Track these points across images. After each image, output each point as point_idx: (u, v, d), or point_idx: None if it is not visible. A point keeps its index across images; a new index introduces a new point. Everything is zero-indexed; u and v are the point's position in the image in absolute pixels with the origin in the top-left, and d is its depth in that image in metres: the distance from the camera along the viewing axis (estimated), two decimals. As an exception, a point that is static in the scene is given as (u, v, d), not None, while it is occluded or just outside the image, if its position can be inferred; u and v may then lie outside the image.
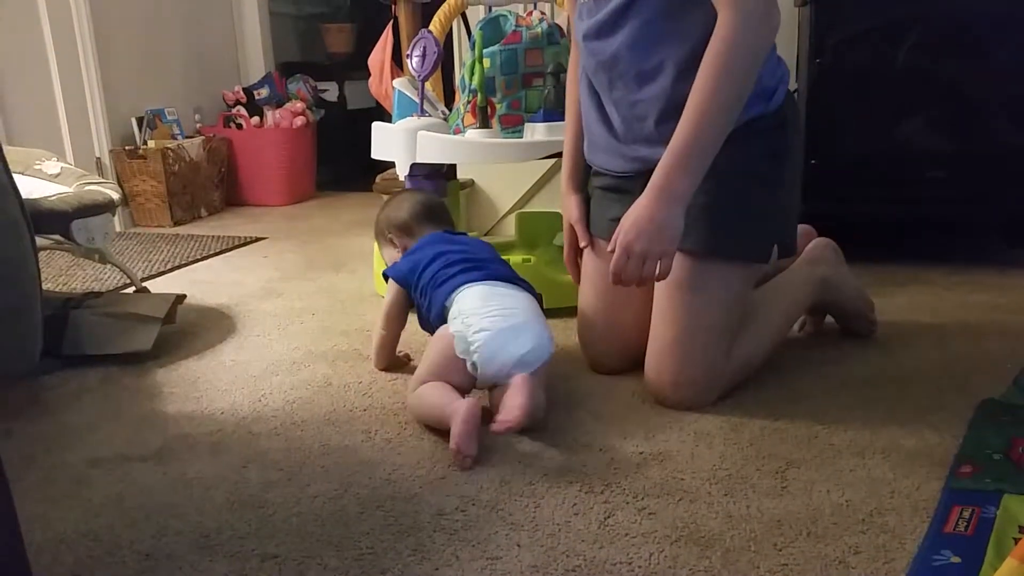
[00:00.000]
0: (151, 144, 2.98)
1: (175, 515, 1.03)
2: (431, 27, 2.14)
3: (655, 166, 1.20)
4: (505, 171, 2.52)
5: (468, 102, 1.82)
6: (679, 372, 1.29)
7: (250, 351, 1.63)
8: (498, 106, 1.81)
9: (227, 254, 2.51)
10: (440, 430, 1.21)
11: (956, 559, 0.87)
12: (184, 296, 1.82)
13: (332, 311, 1.88)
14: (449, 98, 2.11)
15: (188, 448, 1.22)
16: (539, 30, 1.81)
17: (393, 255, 1.55)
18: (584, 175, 1.51)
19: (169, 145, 2.99)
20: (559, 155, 1.65)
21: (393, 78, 2.25)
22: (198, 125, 3.30)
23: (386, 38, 2.39)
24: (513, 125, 1.80)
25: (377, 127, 1.94)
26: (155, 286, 2.11)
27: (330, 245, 2.58)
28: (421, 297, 1.40)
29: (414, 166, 1.83)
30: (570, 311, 1.59)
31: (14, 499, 0.72)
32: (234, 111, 3.34)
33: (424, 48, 1.85)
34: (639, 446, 1.18)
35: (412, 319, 1.47)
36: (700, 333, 1.29)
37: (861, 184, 2.07)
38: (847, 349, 1.54)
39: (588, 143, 1.47)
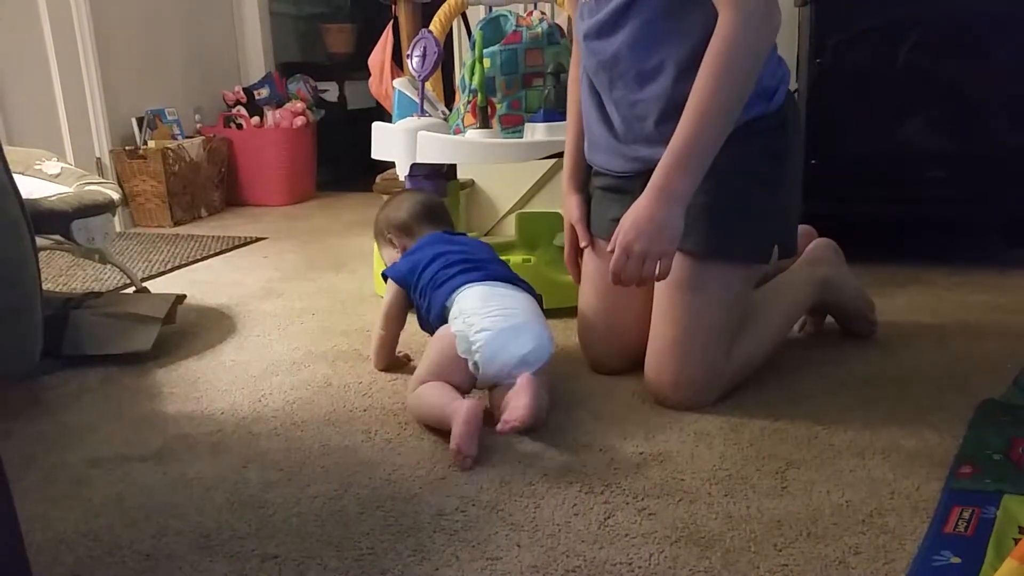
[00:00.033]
0: (151, 144, 2.98)
1: (175, 515, 1.03)
2: (431, 27, 2.14)
3: (655, 166, 1.20)
4: (505, 171, 2.53)
5: (468, 102, 1.82)
6: (679, 372, 1.29)
7: (250, 351, 1.63)
8: (498, 106, 1.81)
9: (227, 254, 2.51)
10: (440, 430, 1.21)
11: (956, 559, 0.87)
12: (184, 296, 1.82)
13: (332, 311, 1.88)
14: (449, 98, 2.11)
15: (188, 448, 1.22)
16: (539, 30, 1.81)
17: (392, 255, 1.55)
18: (585, 175, 1.51)
19: (169, 145, 2.99)
20: (559, 155, 1.65)
21: (393, 78, 2.25)
22: (198, 125, 3.30)
23: (386, 38, 2.39)
24: (513, 125, 1.80)
25: (377, 127, 1.94)
26: (155, 286, 2.11)
27: (330, 245, 2.58)
28: (420, 298, 1.40)
29: (414, 166, 1.83)
30: (570, 311, 1.59)
31: (14, 499, 0.72)
32: (234, 111, 3.34)
33: (424, 48, 1.85)
34: (639, 446, 1.18)
35: (411, 319, 1.47)
36: (700, 333, 1.29)
37: (861, 184, 2.07)
38: (847, 349, 1.54)
39: (588, 143, 1.47)
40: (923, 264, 2.06)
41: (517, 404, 1.15)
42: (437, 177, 1.91)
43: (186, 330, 1.75)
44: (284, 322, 1.81)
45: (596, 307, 1.45)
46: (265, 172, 3.31)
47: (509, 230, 2.50)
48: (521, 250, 1.95)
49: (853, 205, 2.08)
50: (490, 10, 2.02)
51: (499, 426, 1.13)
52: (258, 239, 2.69)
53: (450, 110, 1.96)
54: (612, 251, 1.19)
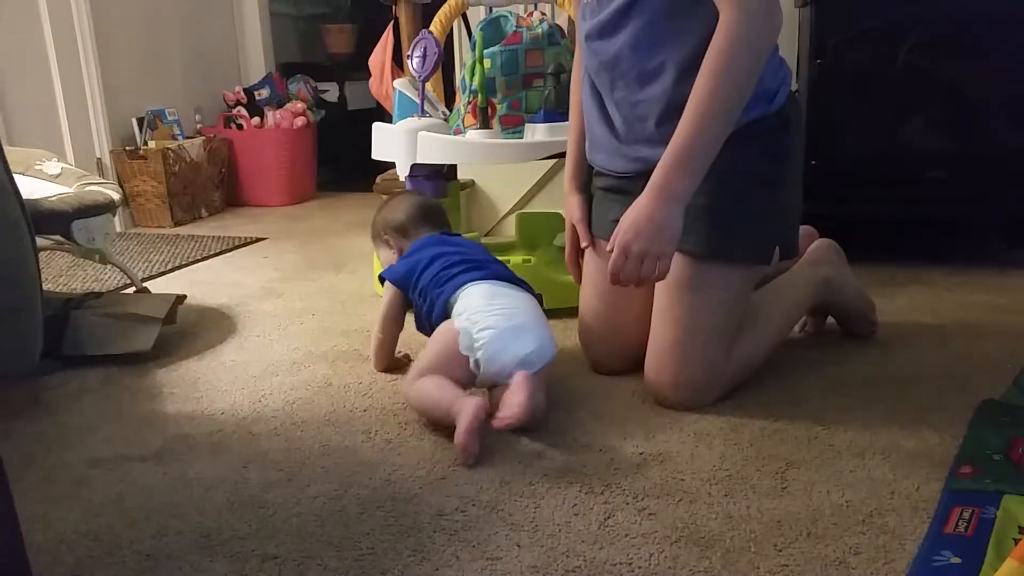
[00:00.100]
0: (151, 144, 2.98)
1: (175, 515, 1.03)
2: (431, 28, 2.15)
3: (656, 166, 1.20)
4: (505, 172, 2.53)
5: (468, 103, 1.82)
6: (679, 372, 1.29)
7: (250, 351, 1.63)
8: (498, 107, 1.81)
9: (227, 254, 2.51)
10: (440, 429, 1.21)
11: (956, 560, 0.87)
12: (184, 296, 1.82)
13: (332, 311, 1.88)
14: (449, 99, 2.11)
15: (188, 448, 1.22)
16: (540, 31, 1.81)
17: (389, 257, 1.55)
18: (587, 175, 1.51)
19: (169, 145, 2.99)
20: (559, 156, 1.65)
21: (394, 79, 2.25)
22: (198, 125, 3.30)
23: (387, 39, 2.39)
24: (513, 126, 1.80)
25: (377, 127, 1.94)
26: (155, 286, 2.11)
27: (330, 245, 2.58)
28: (420, 298, 1.39)
29: (414, 167, 1.83)
30: (570, 311, 1.59)
31: (14, 499, 0.72)
32: (234, 111, 3.34)
33: (424, 49, 1.85)
34: (639, 446, 1.18)
35: (410, 320, 1.47)
36: (700, 334, 1.29)
37: (861, 184, 2.07)
38: (848, 350, 1.54)
39: (590, 143, 1.47)
40: (923, 264, 2.06)
41: (512, 401, 1.15)
42: (437, 178, 1.91)
43: (186, 330, 1.75)
44: (284, 322, 1.81)
45: (597, 307, 1.45)
46: (265, 172, 3.31)
47: (509, 230, 2.50)
48: (521, 250, 1.95)
49: (853, 205, 2.08)
50: (490, 11, 2.03)
51: (494, 423, 1.14)
52: (258, 239, 2.69)
53: (450, 111, 1.96)
54: (611, 251, 1.19)
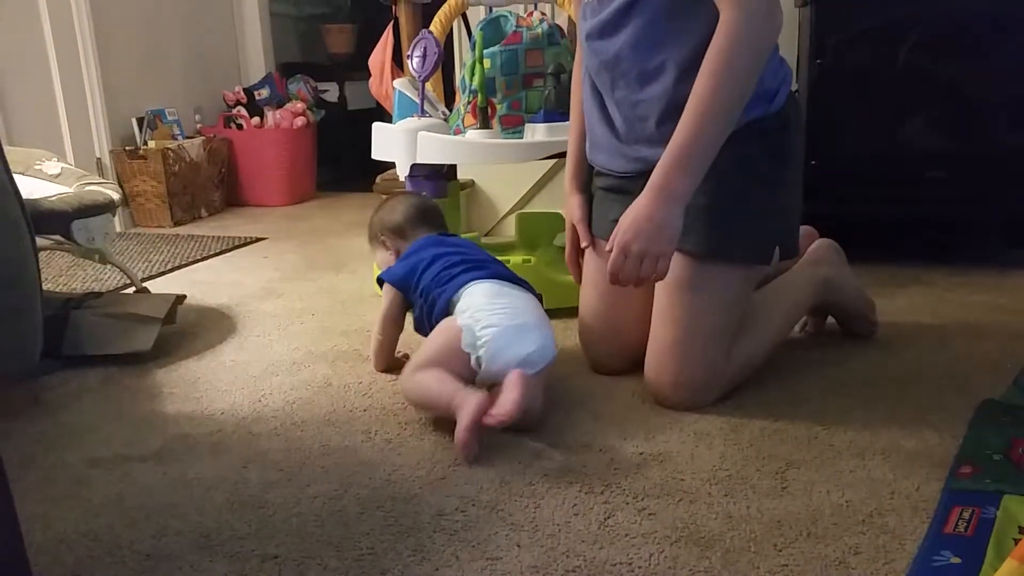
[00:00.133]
0: (151, 144, 2.98)
1: (175, 515, 1.03)
2: (431, 28, 2.15)
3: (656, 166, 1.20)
4: (505, 172, 2.53)
5: (468, 103, 1.82)
6: (679, 372, 1.29)
7: (250, 351, 1.63)
8: (498, 107, 1.81)
9: (227, 254, 2.51)
10: (440, 429, 1.21)
11: (956, 560, 0.87)
12: (184, 296, 1.82)
13: (332, 311, 1.88)
14: (449, 99, 2.11)
15: (188, 448, 1.22)
16: (539, 31, 1.81)
17: (386, 258, 1.55)
18: (587, 175, 1.51)
19: (169, 145, 2.99)
20: (559, 156, 1.65)
21: (393, 79, 2.25)
22: (198, 125, 3.30)
23: (386, 39, 2.39)
24: (513, 126, 1.80)
25: (377, 127, 1.94)
26: (155, 286, 2.11)
27: (330, 245, 2.58)
28: (421, 299, 1.39)
29: (414, 166, 1.83)
30: (570, 311, 1.59)
31: (14, 499, 0.72)
32: (234, 111, 3.34)
33: (424, 49, 1.85)
34: (639, 446, 1.18)
35: (410, 320, 1.47)
36: (700, 334, 1.29)
37: (861, 184, 2.07)
38: (848, 350, 1.54)
39: (590, 143, 1.47)
40: (923, 264, 2.06)
41: (505, 399, 1.14)
42: (437, 177, 1.91)
43: (186, 330, 1.75)
44: (284, 322, 1.81)
45: (597, 307, 1.45)
46: (265, 172, 3.31)
47: (509, 230, 2.50)
48: (521, 250, 1.95)
49: (853, 205, 2.08)
50: (490, 11, 2.03)
51: (486, 419, 1.13)
52: (258, 239, 2.69)
53: (450, 111, 1.96)
54: (611, 250, 1.19)
